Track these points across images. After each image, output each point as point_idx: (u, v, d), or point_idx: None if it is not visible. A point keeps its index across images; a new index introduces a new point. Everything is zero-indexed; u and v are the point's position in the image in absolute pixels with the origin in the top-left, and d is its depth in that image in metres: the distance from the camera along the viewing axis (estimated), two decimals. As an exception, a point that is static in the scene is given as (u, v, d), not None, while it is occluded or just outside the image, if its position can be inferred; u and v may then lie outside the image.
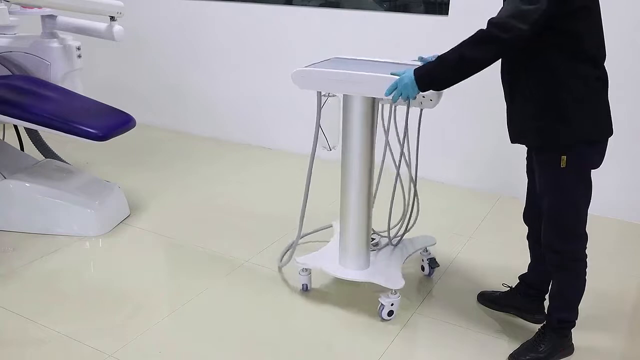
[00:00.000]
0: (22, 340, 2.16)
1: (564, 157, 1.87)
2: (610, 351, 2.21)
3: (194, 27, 4.51)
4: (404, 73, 1.96)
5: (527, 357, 2.11)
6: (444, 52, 1.89)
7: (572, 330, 2.14)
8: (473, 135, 3.67)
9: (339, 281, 2.54)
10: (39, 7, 3.06)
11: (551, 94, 1.86)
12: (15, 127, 3.52)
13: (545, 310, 2.19)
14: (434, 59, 1.99)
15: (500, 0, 1.92)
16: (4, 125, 3.42)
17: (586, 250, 2.04)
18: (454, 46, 1.83)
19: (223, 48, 4.43)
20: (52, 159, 3.51)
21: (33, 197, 2.96)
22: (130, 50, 4.78)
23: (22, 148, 3.53)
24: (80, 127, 2.76)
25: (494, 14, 1.80)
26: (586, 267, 2.05)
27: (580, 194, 1.96)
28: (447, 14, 3.54)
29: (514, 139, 2.04)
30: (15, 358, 2.06)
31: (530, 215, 2.24)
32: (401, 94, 1.96)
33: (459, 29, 3.50)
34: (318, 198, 3.44)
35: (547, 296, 2.19)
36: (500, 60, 1.96)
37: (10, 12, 2.72)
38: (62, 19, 3.22)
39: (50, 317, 2.29)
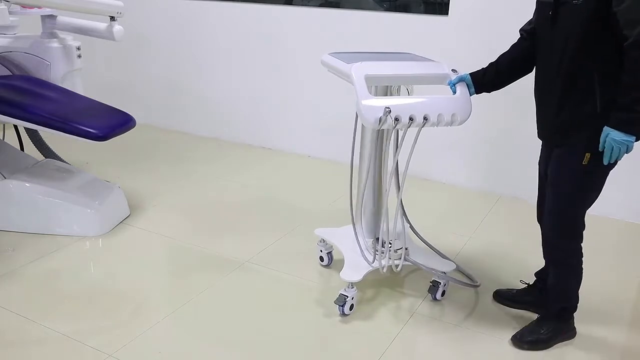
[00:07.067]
0: (23, 340, 2.16)
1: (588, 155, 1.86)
2: (611, 351, 2.21)
3: (194, 27, 4.51)
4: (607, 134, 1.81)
5: (530, 339, 2.14)
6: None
7: (574, 314, 2.17)
8: (474, 136, 3.67)
9: (337, 280, 2.54)
10: (39, 7, 3.06)
11: (611, 86, 1.79)
12: (15, 127, 3.52)
13: None
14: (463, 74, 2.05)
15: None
16: (4, 125, 3.41)
17: (583, 250, 2.07)
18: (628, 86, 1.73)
19: (223, 48, 4.43)
20: (52, 159, 3.51)
21: (33, 197, 2.96)
22: (130, 50, 4.78)
23: (22, 148, 3.53)
24: (80, 127, 2.75)
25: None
26: (582, 257, 2.07)
27: (594, 192, 1.96)
28: (447, 14, 3.54)
29: (560, 134, 1.94)
30: (15, 358, 2.06)
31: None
32: (620, 150, 1.80)
33: (459, 29, 3.53)
34: (320, 196, 3.44)
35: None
36: (545, 51, 1.93)
37: (10, 12, 2.71)
38: (62, 19, 3.22)
39: (50, 317, 2.29)
